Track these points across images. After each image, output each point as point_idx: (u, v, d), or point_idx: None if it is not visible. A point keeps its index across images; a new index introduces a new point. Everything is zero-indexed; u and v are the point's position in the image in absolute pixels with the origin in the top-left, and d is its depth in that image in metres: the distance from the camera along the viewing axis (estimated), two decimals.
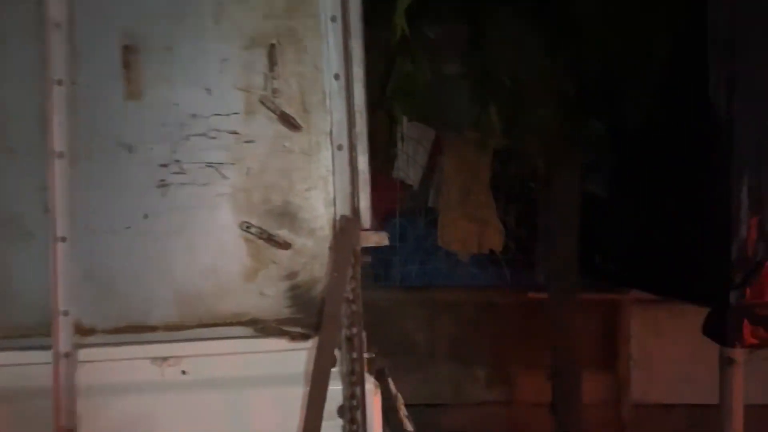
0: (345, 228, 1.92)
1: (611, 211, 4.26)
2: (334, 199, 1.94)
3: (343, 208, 1.95)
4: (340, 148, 1.93)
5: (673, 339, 4.68)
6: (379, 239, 1.99)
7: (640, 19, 3.66)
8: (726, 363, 2.96)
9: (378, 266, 5.07)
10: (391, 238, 5.14)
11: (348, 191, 1.94)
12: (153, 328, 1.89)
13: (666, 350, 4.69)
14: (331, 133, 1.92)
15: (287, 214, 1.93)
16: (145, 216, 1.87)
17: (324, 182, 1.94)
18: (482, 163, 4.87)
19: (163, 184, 1.87)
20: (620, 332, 4.88)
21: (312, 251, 1.94)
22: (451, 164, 4.88)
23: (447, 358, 4.91)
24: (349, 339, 1.90)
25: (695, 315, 3.12)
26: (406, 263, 5.07)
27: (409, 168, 4.98)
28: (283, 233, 1.93)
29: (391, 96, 3.61)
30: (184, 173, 1.87)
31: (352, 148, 1.94)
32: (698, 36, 3.22)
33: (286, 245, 1.94)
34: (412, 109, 3.72)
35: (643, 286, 4.04)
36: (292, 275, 1.94)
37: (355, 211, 1.95)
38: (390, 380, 2.71)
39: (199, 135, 1.85)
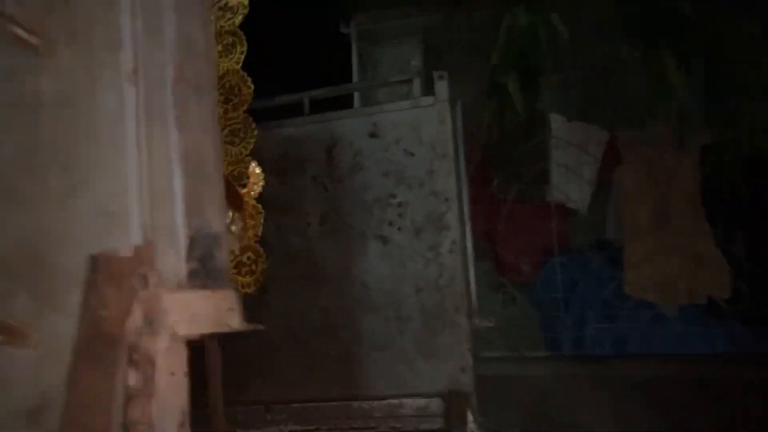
0: (102, 284, 0.71)
1: None
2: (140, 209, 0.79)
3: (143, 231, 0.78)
4: (131, 80, 0.78)
5: None
6: (226, 313, 0.75)
7: None
8: None
9: (538, 328, 4.05)
10: (552, 287, 3.76)
11: (161, 187, 0.77)
12: None
13: None
14: (119, 47, 0.80)
15: (26, 262, 0.84)
16: None
17: (112, 174, 0.82)
18: (684, 169, 3.84)
19: None
20: None
21: None
22: (634, 175, 3.90)
23: None
24: None
25: None
26: (578, 323, 4.01)
27: (570, 186, 3.91)
28: (17, 307, 0.82)
29: (500, 65, 2.38)
30: None
31: (175, 83, 0.79)
32: None
33: (22, 336, 0.82)
34: (536, 84, 2.43)
35: None
36: (38, 410, 0.86)
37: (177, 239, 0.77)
38: None
39: None
